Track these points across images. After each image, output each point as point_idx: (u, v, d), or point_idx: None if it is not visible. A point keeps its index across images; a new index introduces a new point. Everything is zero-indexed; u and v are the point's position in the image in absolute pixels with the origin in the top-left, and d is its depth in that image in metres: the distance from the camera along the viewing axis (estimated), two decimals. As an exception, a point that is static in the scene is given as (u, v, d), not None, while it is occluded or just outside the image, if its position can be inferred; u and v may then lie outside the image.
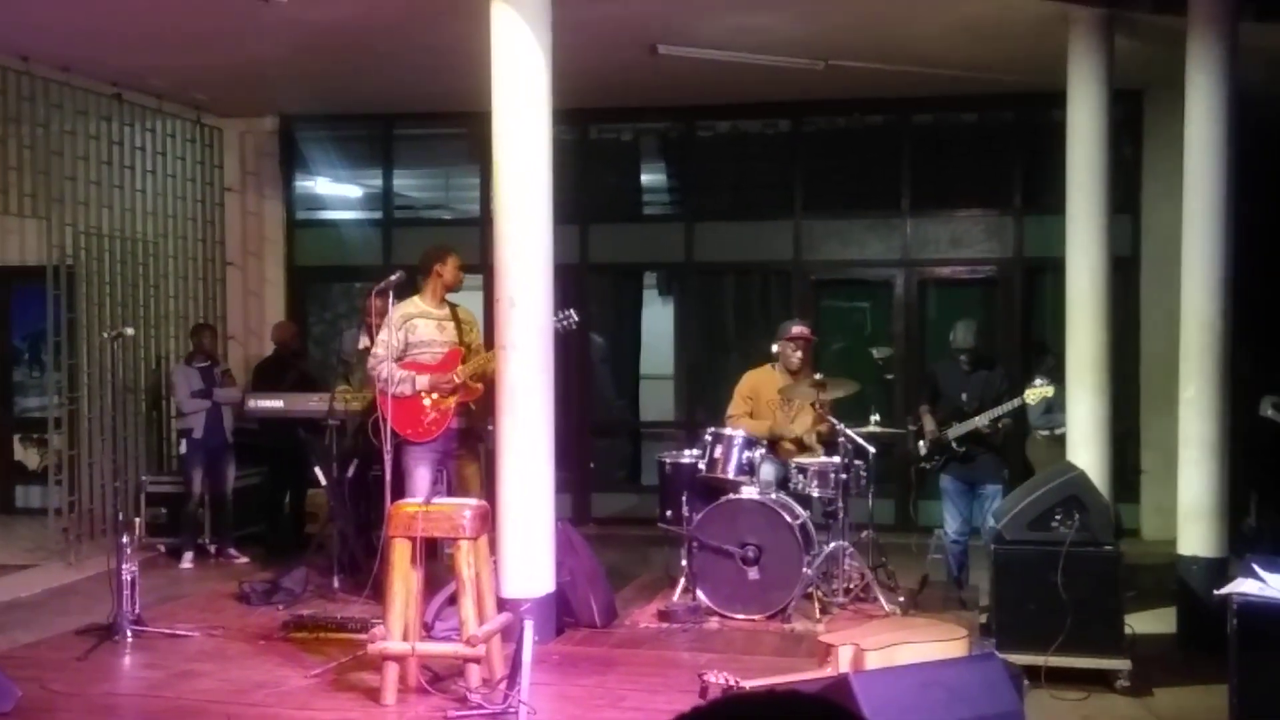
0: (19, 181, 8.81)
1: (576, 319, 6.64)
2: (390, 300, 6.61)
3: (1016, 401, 7.31)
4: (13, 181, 8.75)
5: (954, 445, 7.42)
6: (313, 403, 7.94)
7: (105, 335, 8.23)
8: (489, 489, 6.53)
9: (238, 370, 9.89)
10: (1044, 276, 9.96)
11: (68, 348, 9.13)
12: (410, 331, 6.79)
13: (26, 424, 11.12)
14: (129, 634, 6.13)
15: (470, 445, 7.15)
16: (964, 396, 7.50)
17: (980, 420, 7.32)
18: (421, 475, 6.69)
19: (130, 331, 7.87)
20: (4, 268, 10.29)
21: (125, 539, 6.30)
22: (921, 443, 7.60)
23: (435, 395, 6.73)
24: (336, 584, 7.18)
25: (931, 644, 4.90)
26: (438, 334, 6.86)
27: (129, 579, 6.21)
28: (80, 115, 9.31)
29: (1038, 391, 7.31)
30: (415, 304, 6.89)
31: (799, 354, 7.43)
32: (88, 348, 9.24)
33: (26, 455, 11.18)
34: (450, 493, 6.80)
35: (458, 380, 6.75)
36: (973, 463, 7.47)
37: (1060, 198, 8.06)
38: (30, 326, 10.88)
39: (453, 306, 7.05)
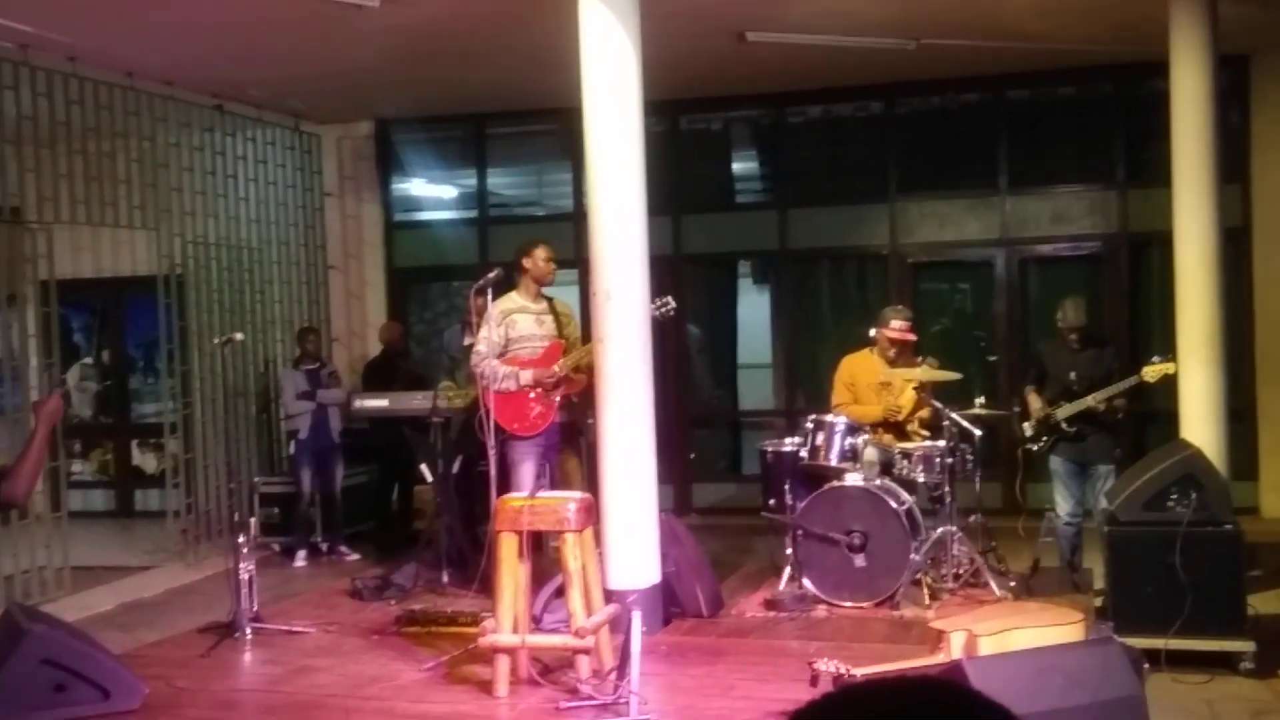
0: (128, 195, 9.07)
1: (674, 306, 6.63)
2: (489, 297, 6.69)
3: (1134, 379, 7.06)
4: (122, 195, 9.01)
5: (1064, 425, 7.23)
6: (417, 401, 8.06)
7: (216, 341, 8.44)
8: (591, 481, 6.56)
9: (342, 371, 10.08)
10: (1150, 251, 9.70)
11: (180, 354, 9.39)
12: (510, 327, 6.85)
13: (143, 429, 11.46)
14: (248, 631, 6.30)
15: (571, 439, 7.21)
16: (1073, 375, 7.29)
17: (1094, 399, 7.11)
18: (527, 470, 6.75)
19: (240, 336, 8.07)
20: (116, 279, 10.60)
21: (241, 539, 6.46)
22: (1026, 424, 7.43)
23: (539, 390, 6.78)
24: (445, 579, 7.29)
25: (1047, 629, 4.81)
26: (537, 328, 6.92)
27: (246, 578, 6.38)
28: (184, 128, 9.56)
29: (1158, 368, 7.04)
30: (513, 299, 6.96)
31: (897, 350, 7.31)
32: (199, 354, 9.49)
33: (144, 460, 11.53)
34: (553, 487, 6.85)
35: (559, 373, 6.80)
36: (1083, 443, 7.25)
37: (1165, 169, 7.83)
38: (143, 335, 11.22)
39: (550, 300, 7.10)
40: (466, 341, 7.95)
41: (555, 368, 6.80)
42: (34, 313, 8.67)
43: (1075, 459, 7.31)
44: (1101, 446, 7.28)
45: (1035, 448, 7.43)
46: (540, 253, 6.99)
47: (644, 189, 6.39)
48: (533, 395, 6.78)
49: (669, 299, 6.55)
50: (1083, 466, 7.30)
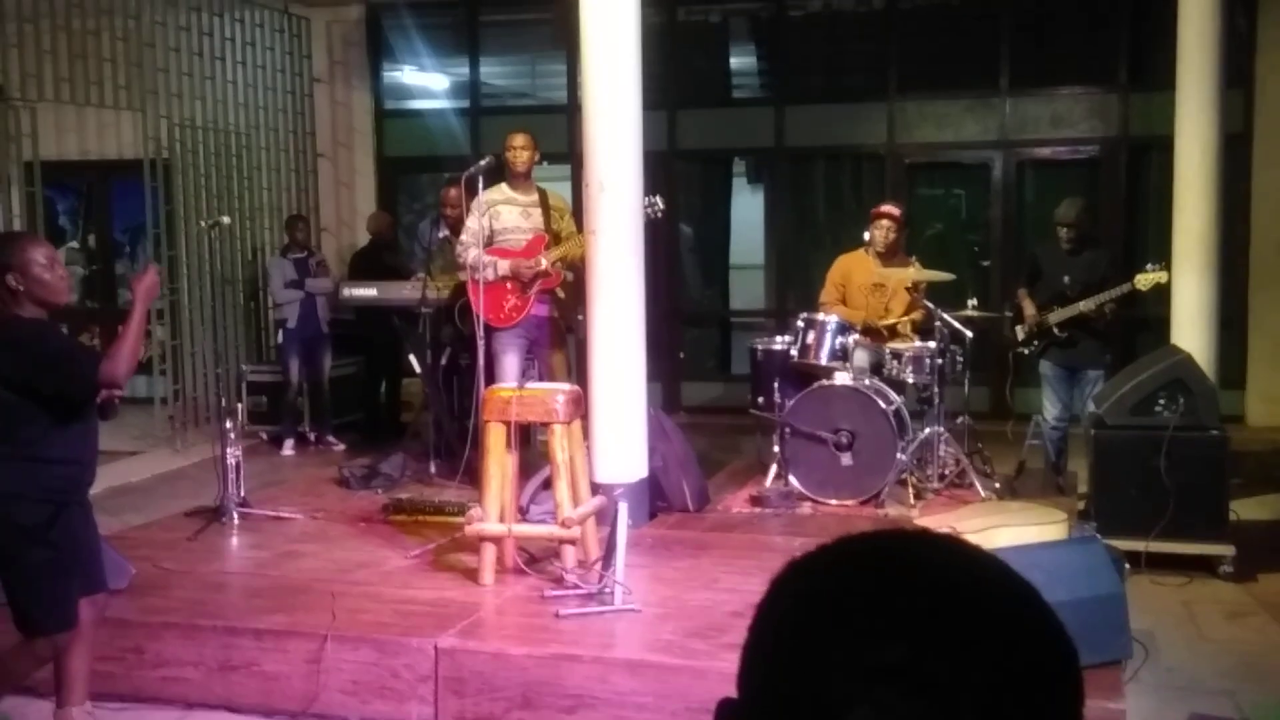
0: (113, 74, 8.90)
1: (663, 206, 6.54)
2: (480, 187, 6.58)
3: (1126, 287, 6.99)
4: (107, 74, 8.84)
5: (1055, 330, 7.20)
6: (406, 291, 8.00)
7: (202, 224, 8.36)
8: (581, 375, 6.54)
9: (331, 260, 10.00)
10: (1149, 156, 9.60)
11: (166, 240, 9.29)
12: (494, 218, 6.76)
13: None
14: (235, 516, 6.32)
15: (557, 332, 7.15)
16: (1066, 279, 7.23)
17: (1086, 305, 7.07)
18: (510, 361, 6.73)
19: (226, 220, 7.98)
20: (102, 161, 10.45)
21: (228, 424, 6.45)
22: (1020, 327, 7.40)
23: (515, 281, 6.72)
24: (433, 469, 7.31)
25: (1030, 527, 4.85)
26: (522, 220, 6.82)
27: (233, 463, 6.38)
28: (170, 6, 9.35)
29: (1150, 277, 6.97)
30: (501, 190, 6.85)
31: (886, 234, 7.27)
32: (185, 240, 9.39)
33: (131, 346, 11.47)
34: (540, 380, 6.82)
35: (538, 267, 6.73)
36: (1074, 348, 7.22)
37: (1168, 73, 7.71)
38: (130, 220, 11.07)
39: (543, 192, 6.99)
40: (441, 234, 7.87)
41: (534, 260, 6.73)
42: (19, 194, 8.56)
43: (1065, 364, 7.30)
44: (1091, 352, 7.26)
45: (1027, 351, 7.42)
46: (511, 140, 6.86)
47: (639, 80, 6.26)
48: (509, 286, 6.71)
49: (657, 199, 6.46)
50: (1072, 371, 7.29)
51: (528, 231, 6.85)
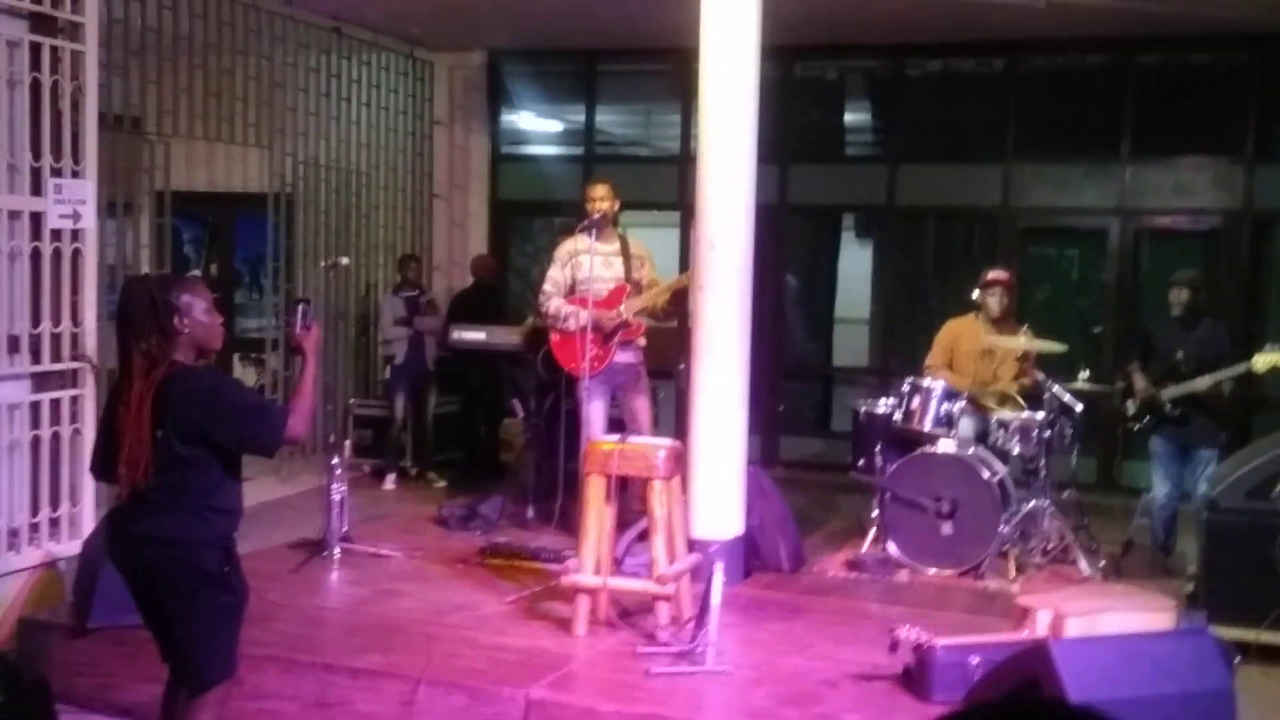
0: (244, 112, 9.20)
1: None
2: (594, 235, 6.67)
3: (1242, 367, 6.80)
4: (238, 111, 9.15)
5: (1167, 407, 7.03)
6: (514, 336, 8.10)
7: (323, 264, 8.58)
8: (681, 429, 6.55)
9: (440, 301, 10.18)
10: (1273, 229, 9.35)
11: (285, 272, 9.55)
12: (576, 268, 6.84)
13: (246, 344, 11.70)
14: (337, 551, 6.43)
15: (641, 378, 7.14)
16: (1180, 354, 7.07)
17: (1200, 383, 6.90)
18: (595, 408, 6.79)
19: (345, 261, 8.17)
20: (229, 194, 10.78)
21: (335, 460, 6.59)
22: (1130, 401, 7.24)
23: (597, 331, 6.77)
24: (530, 513, 7.37)
25: (1137, 614, 4.71)
26: (603, 270, 6.85)
27: (338, 498, 6.51)
28: (301, 48, 9.65)
29: (1269, 358, 6.76)
30: (582, 240, 6.90)
31: (998, 299, 7.19)
32: (303, 273, 9.65)
33: (244, 373, 11.77)
34: (623, 427, 6.85)
35: (620, 316, 6.78)
36: (1187, 426, 7.04)
37: (1297, 146, 7.52)
38: (251, 251, 11.40)
39: (624, 240, 7.03)
40: None
41: (615, 312, 6.79)
42: (148, 223, 8.88)
43: (1177, 441, 7.11)
44: (1205, 431, 7.06)
45: (1137, 427, 7.25)
46: (592, 191, 6.94)
47: (755, 139, 6.30)
48: (591, 337, 6.78)
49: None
50: (1184, 449, 7.11)
51: (610, 281, 6.90)
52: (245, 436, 3.72)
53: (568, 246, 6.85)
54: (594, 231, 6.66)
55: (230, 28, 8.90)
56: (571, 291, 6.83)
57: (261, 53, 9.28)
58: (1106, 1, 8.08)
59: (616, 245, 6.98)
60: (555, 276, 6.85)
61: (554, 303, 6.81)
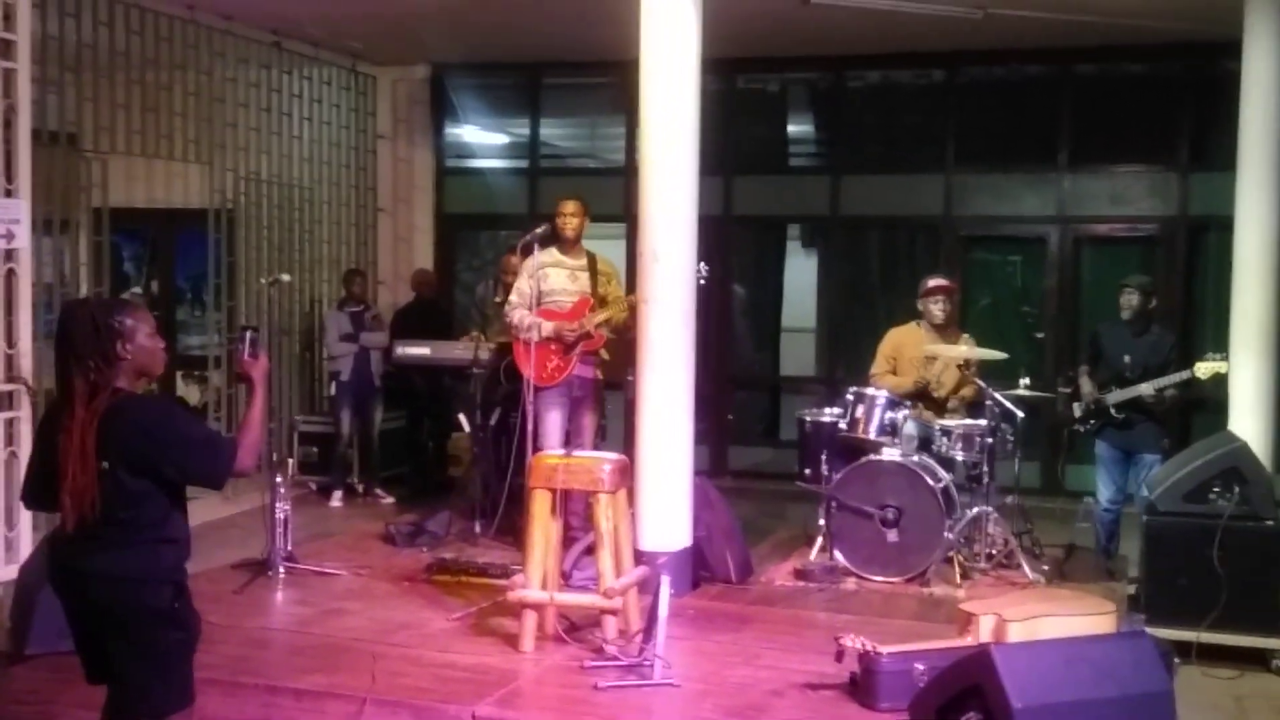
0: (183, 127, 9.11)
1: (706, 275, 6.53)
2: (535, 252, 6.71)
3: (1186, 374, 6.93)
4: (177, 127, 9.05)
5: (1112, 411, 7.13)
6: (458, 351, 8.08)
7: (263, 281, 8.50)
8: (628, 442, 6.56)
9: (386, 316, 10.12)
10: (1209, 236, 9.51)
11: (227, 289, 9.46)
12: (542, 280, 6.89)
13: (189, 361, 11.54)
14: (281, 570, 6.37)
15: (598, 393, 7.19)
16: (1127, 359, 7.17)
17: (1144, 388, 7.00)
18: (552, 419, 6.84)
19: (287, 278, 8.11)
20: (169, 210, 10.66)
21: (279, 478, 6.52)
22: (1077, 405, 7.34)
23: (559, 343, 6.81)
24: (478, 528, 7.33)
25: (1078, 618, 4.76)
26: (569, 283, 6.96)
27: (282, 517, 6.45)
28: (241, 63, 9.57)
29: (1210, 366, 6.91)
30: (551, 254, 6.99)
31: (941, 307, 7.27)
32: (245, 290, 9.55)
33: (188, 391, 11.63)
34: (568, 439, 6.86)
35: (581, 329, 6.82)
36: (1131, 430, 7.15)
37: (1230, 153, 7.67)
38: (192, 268, 11.27)
39: (592, 256, 7.10)
40: (497, 298, 7.98)
41: (578, 323, 6.83)
42: (86, 241, 8.75)
43: (1121, 445, 7.23)
44: (1149, 435, 7.18)
45: (1083, 430, 7.36)
46: (562, 207, 7.02)
47: (697, 150, 6.32)
48: (553, 347, 6.81)
49: (703, 266, 6.47)
50: (1128, 453, 7.22)
51: (574, 294, 6.96)
52: (194, 471, 3.63)
53: (538, 259, 6.88)
54: (539, 244, 6.70)
55: (168, 43, 8.81)
56: (538, 304, 6.87)
57: (200, 68, 9.20)
58: (1041, 13, 8.19)
59: (584, 260, 7.06)
60: (522, 288, 6.91)
61: (518, 313, 6.87)
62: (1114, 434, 7.21)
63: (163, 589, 3.58)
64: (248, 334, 3.96)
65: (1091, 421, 7.29)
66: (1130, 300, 7.20)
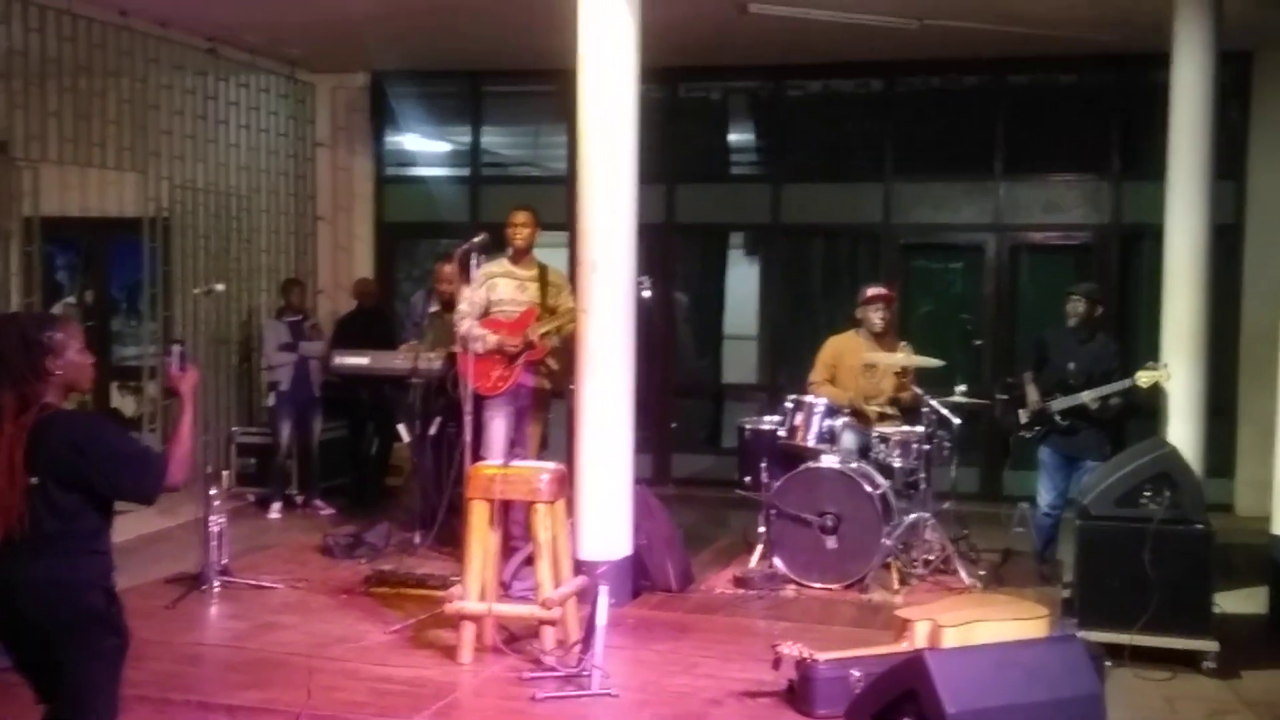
0: (117, 135, 8.99)
1: (649, 287, 6.55)
2: (477, 260, 6.68)
3: (1127, 382, 7.02)
4: (111, 135, 8.93)
5: (1057, 418, 7.22)
6: (397, 361, 8.03)
7: (196, 290, 8.40)
8: (569, 452, 6.54)
9: (325, 325, 10.03)
10: (1141, 244, 9.67)
11: (162, 299, 9.33)
12: (491, 290, 6.87)
13: (124, 372, 11.39)
14: (216, 584, 6.29)
15: (542, 403, 7.17)
16: (1071, 366, 7.25)
17: (1086, 397, 7.09)
18: (497, 428, 6.82)
19: (221, 287, 8.02)
20: (103, 219, 10.51)
21: (213, 491, 6.44)
22: (1023, 411, 7.41)
23: (503, 353, 6.79)
24: (418, 539, 7.29)
25: (1011, 622, 4.82)
26: (518, 293, 6.94)
27: (217, 530, 6.37)
28: (176, 70, 9.46)
29: (1151, 375, 7.00)
30: (501, 264, 6.98)
31: (880, 315, 7.33)
32: (182, 299, 9.43)
33: (124, 402, 11.47)
34: (511, 447, 6.84)
35: (528, 338, 6.81)
36: (1075, 436, 7.21)
37: (1161, 163, 7.79)
38: (128, 277, 11.11)
39: (543, 268, 7.09)
40: (433, 308, 7.94)
41: (519, 339, 6.81)
42: (17, 250, 8.61)
43: (1065, 452, 7.29)
44: (1093, 442, 7.23)
45: (1028, 435, 7.43)
46: (513, 217, 7.00)
47: (636, 160, 6.33)
48: (497, 358, 6.80)
49: (646, 279, 6.50)
50: (1072, 460, 7.27)
51: (522, 304, 6.95)
52: (125, 487, 3.60)
53: (487, 269, 6.85)
54: (482, 253, 6.69)
55: (101, 50, 8.68)
56: (486, 314, 6.84)
57: (134, 74, 9.07)
58: (975, 24, 8.30)
59: (534, 271, 7.04)
60: (472, 298, 6.86)
61: (465, 324, 6.82)
62: (1059, 440, 7.29)
63: (97, 593, 3.58)
64: (176, 348, 3.99)
65: (1037, 428, 7.36)
66: (1076, 307, 7.29)
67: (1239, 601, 6.96)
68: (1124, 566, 6.10)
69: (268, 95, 10.48)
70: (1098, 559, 6.23)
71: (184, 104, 9.57)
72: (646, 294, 6.45)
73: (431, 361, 7.62)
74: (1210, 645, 6.04)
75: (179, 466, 3.66)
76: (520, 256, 7.00)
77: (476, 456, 6.18)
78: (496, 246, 7.08)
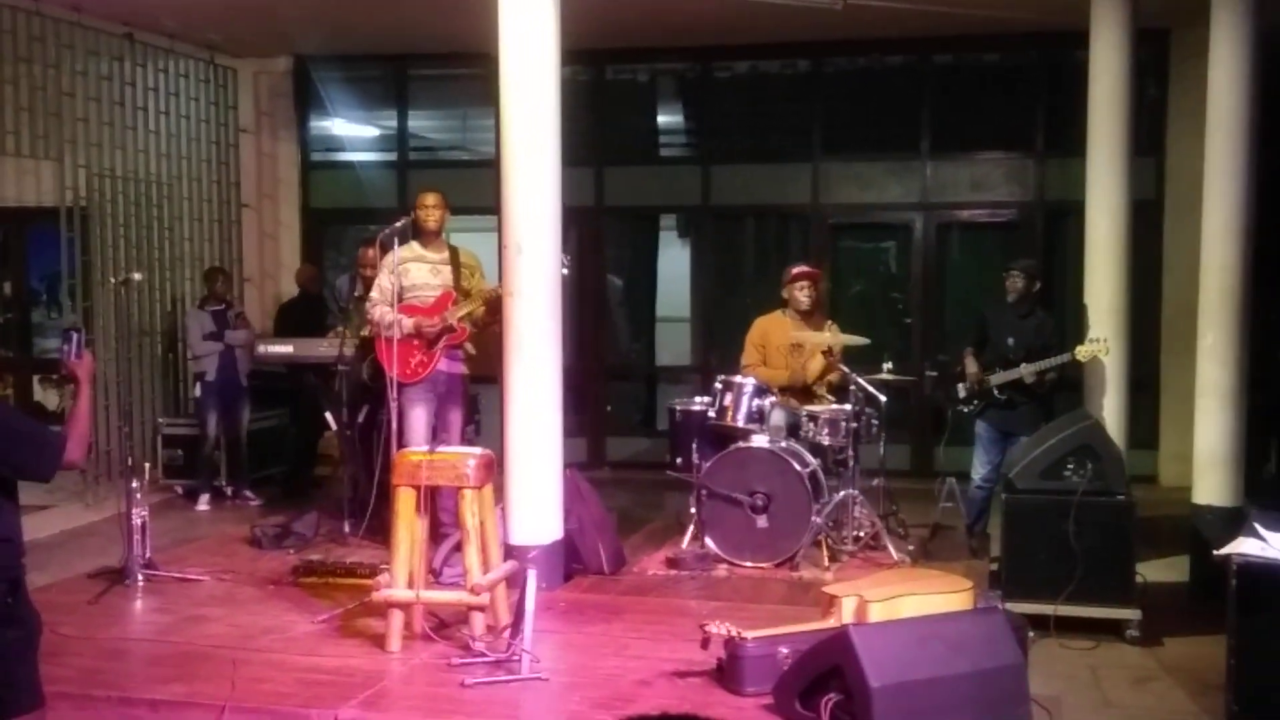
0: (31, 123, 8.80)
1: (568, 265, 6.52)
2: (395, 246, 6.59)
3: (1065, 357, 7.10)
4: (24, 123, 8.74)
5: (995, 392, 7.29)
6: (322, 348, 7.93)
7: (113, 280, 8.25)
8: (497, 437, 6.50)
9: (252, 313, 9.89)
10: (1066, 220, 9.81)
11: (82, 290, 9.15)
12: (404, 275, 6.77)
13: (45, 365, 11.16)
14: (140, 578, 6.19)
15: (463, 389, 7.11)
16: (1010, 341, 7.33)
17: (1023, 370, 7.17)
18: (417, 416, 6.73)
19: (138, 277, 7.89)
20: (19, 209, 10.28)
21: (135, 484, 6.32)
22: (961, 386, 7.47)
23: (421, 338, 6.73)
24: (347, 528, 7.21)
25: (935, 595, 4.87)
26: (431, 277, 6.84)
27: (139, 523, 6.26)
28: (92, 56, 9.26)
29: (1090, 349, 7.09)
30: (412, 248, 6.86)
31: (806, 294, 7.35)
32: (102, 290, 9.25)
33: (46, 396, 11.25)
34: (434, 436, 6.79)
35: (442, 323, 6.75)
36: (1013, 410, 7.28)
37: (1082, 140, 7.90)
38: (47, 268, 10.89)
39: (454, 250, 7.01)
40: (357, 293, 7.85)
41: (440, 318, 6.74)
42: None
43: (1001, 426, 7.36)
44: (1028, 417, 7.28)
45: (967, 409, 7.50)
46: (423, 199, 6.92)
47: (558, 142, 6.28)
48: (415, 343, 6.72)
49: (566, 258, 6.46)
50: (1007, 434, 7.35)
51: (436, 288, 6.86)
52: (21, 463, 3.65)
53: (398, 254, 6.76)
54: (400, 238, 6.59)
55: (11, 35, 8.49)
56: (401, 299, 6.75)
57: (48, 61, 8.87)
58: (897, 3, 8.34)
59: (446, 254, 6.95)
60: (383, 284, 6.76)
61: (378, 310, 6.73)
62: (995, 414, 7.36)
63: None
64: (72, 334, 4.00)
65: (975, 402, 7.43)
66: (1016, 284, 7.37)
67: (1161, 570, 7.12)
68: (1048, 538, 6.21)
69: (187, 81, 10.30)
70: (1023, 531, 6.34)
71: (100, 91, 9.37)
72: (564, 272, 6.41)
73: (354, 348, 7.54)
74: (1133, 614, 6.18)
75: (77, 443, 3.73)
76: (431, 239, 6.90)
77: (400, 445, 6.12)
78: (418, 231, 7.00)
